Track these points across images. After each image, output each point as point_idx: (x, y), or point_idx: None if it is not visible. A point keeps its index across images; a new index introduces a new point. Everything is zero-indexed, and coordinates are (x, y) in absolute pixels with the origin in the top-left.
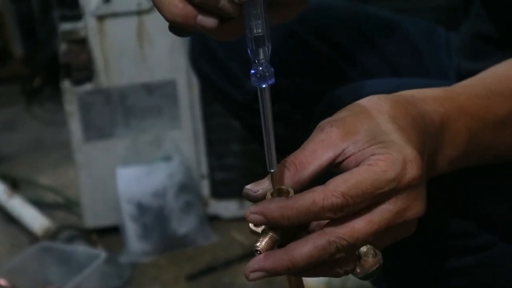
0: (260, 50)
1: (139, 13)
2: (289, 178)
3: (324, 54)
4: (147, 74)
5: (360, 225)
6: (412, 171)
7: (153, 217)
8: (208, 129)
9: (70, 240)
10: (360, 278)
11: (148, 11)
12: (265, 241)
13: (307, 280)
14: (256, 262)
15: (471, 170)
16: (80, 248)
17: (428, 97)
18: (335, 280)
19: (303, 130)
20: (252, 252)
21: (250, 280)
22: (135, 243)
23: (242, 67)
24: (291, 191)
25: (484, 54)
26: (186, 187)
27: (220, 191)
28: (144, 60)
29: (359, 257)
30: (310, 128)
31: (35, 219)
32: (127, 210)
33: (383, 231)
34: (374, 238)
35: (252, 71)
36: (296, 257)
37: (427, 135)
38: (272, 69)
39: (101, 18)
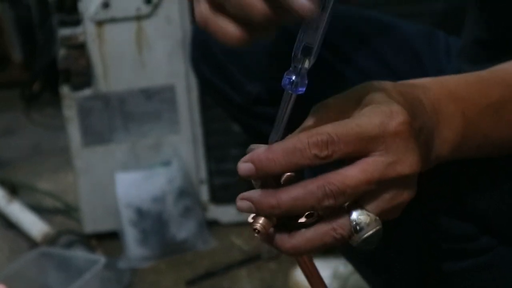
0: (306, 60)
1: (138, 18)
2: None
3: (322, 57)
4: (146, 79)
5: (352, 172)
6: (398, 118)
7: (152, 222)
8: (207, 133)
9: (69, 245)
10: (358, 246)
11: (147, 16)
12: (262, 219)
13: (305, 282)
14: (247, 193)
15: (472, 171)
16: (79, 254)
17: (417, 84)
18: (336, 282)
19: None
20: (251, 258)
21: (237, 208)
22: (134, 248)
23: (242, 70)
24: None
25: (484, 59)
26: (185, 192)
27: (219, 196)
28: (143, 65)
29: (353, 222)
30: None
31: (34, 224)
32: (126, 215)
33: (376, 185)
34: (365, 190)
35: (289, 77)
36: (282, 196)
37: (422, 113)
38: (307, 81)
39: (100, 23)
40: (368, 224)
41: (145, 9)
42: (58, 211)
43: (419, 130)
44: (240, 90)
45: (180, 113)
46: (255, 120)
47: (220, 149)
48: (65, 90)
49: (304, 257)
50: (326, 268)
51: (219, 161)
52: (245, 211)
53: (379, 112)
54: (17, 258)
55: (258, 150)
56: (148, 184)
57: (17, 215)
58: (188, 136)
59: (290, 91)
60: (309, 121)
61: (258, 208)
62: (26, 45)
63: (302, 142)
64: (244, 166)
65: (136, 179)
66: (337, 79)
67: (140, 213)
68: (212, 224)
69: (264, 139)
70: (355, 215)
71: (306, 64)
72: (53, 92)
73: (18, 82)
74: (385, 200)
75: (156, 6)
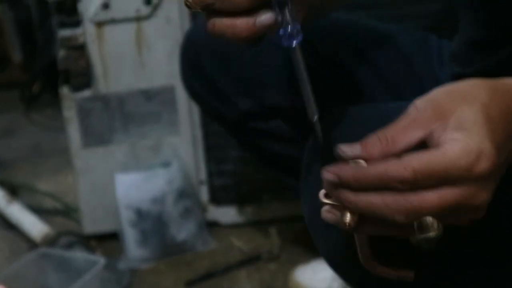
0: (286, 11)
1: (138, 19)
2: (379, 150)
3: (315, 70)
4: (146, 80)
5: (430, 197)
6: (485, 164)
7: (152, 223)
8: (206, 135)
9: (69, 246)
10: (416, 243)
11: (146, 17)
12: (349, 215)
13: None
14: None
15: None
16: (79, 254)
17: None
18: (335, 283)
19: (299, 146)
20: (251, 259)
21: (323, 176)
22: (134, 249)
23: (232, 85)
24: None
25: (478, 60)
26: (185, 193)
27: (219, 197)
28: (142, 66)
29: (417, 222)
30: (305, 154)
31: (34, 225)
32: (126, 216)
33: (449, 210)
34: (437, 213)
35: (280, 32)
36: (361, 196)
37: None
38: (299, 26)
39: (99, 24)
40: (430, 227)
41: (144, 10)
42: (58, 212)
43: (500, 162)
44: (231, 106)
45: (180, 114)
46: (249, 135)
47: (219, 150)
48: (64, 90)
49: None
50: (325, 269)
51: (219, 162)
52: (327, 184)
53: (467, 153)
54: (17, 259)
55: (347, 168)
56: (148, 185)
57: (17, 216)
58: (188, 137)
59: (291, 44)
60: (408, 119)
61: (336, 195)
62: (26, 45)
63: (388, 175)
64: (329, 176)
65: (135, 180)
66: (334, 92)
67: (140, 214)
68: (212, 225)
69: (260, 154)
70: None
71: (289, 14)
72: (52, 93)
73: (18, 83)
74: (455, 218)
75: (155, 7)
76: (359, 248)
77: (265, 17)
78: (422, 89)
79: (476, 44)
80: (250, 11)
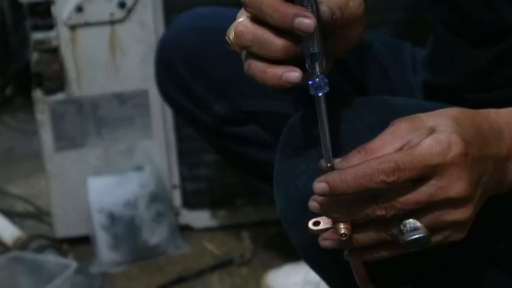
0: (316, 64)
1: (112, 23)
2: (358, 159)
3: None
4: (119, 84)
5: (404, 190)
6: (456, 150)
7: (124, 227)
8: (180, 139)
9: (40, 250)
10: (405, 246)
11: (120, 21)
12: (342, 224)
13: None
14: (316, 198)
15: None
16: (51, 258)
17: (503, 112)
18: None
19: (273, 152)
20: (223, 263)
21: (309, 206)
22: (106, 253)
23: (209, 90)
24: None
25: (451, 60)
26: (157, 197)
27: (192, 201)
28: (116, 70)
29: (402, 224)
30: (278, 148)
31: (5, 229)
32: (98, 220)
33: (426, 203)
34: (414, 207)
35: (310, 82)
36: (342, 202)
37: (493, 140)
38: (327, 80)
39: (73, 27)
40: (414, 229)
41: (118, 13)
42: (30, 215)
43: (478, 158)
44: (206, 110)
45: (153, 118)
46: (223, 139)
47: (193, 155)
48: (37, 94)
49: (359, 262)
50: (297, 273)
51: (192, 167)
52: (314, 211)
53: (439, 142)
54: None
55: (333, 173)
56: (121, 189)
57: None
58: (161, 141)
59: (318, 95)
60: (385, 133)
61: (322, 209)
62: None
63: (372, 168)
64: (319, 185)
65: (108, 183)
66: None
67: (112, 218)
68: (185, 229)
69: (235, 159)
70: (405, 219)
71: (319, 67)
72: (25, 96)
73: None
74: (435, 215)
75: (129, 11)
76: (356, 275)
77: (293, 75)
78: (395, 96)
79: (444, 47)
80: (283, 61)
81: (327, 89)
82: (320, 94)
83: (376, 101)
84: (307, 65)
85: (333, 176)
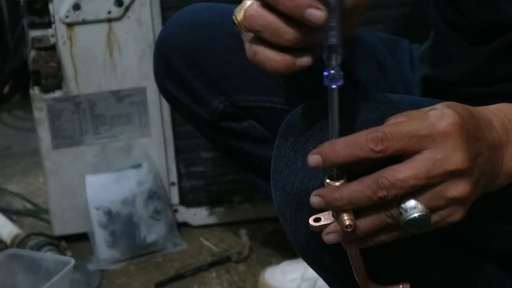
0: (333, 56)
1: (109, 20)
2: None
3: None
4: (117, 82)
5: (401, 167)
6: (448, 119)
7: (122, 224)
8: (177, 136)
9: (39, 247)
10: (405, 226)
11: (117, 19)
12: (345, 215)
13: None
14: (318, 190)
15: None
16: (49, 256)
17: (491, 106)
18: (304, 284)
19: (271, 147)
20: (221, 260)
21: (311, 202)
22: (104, 250)
23: (206, 85)
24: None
25: (450, 55)
26: (155, 195)
27: (190, 198)
28: (113, 67)
29: (402, 206)
30: (275, 144)
31: (3, 227)
32: (96, 217)
33: (425, 179)
34: (414, 183)
35: (325, 73)
36: (343, 189)
37: (485, 127)
38: (342, 73)
39: (70, 25)
40: (414, 208)
41: (116, 11)
42: (28, 213)
43: (472, 136)
44: (206, 105)
45: (150, 115)
46: (222, 135)
47: (190, 152)
48: (35, 92)
49: (356, 249)
50: (295, 270)
51: (189, 164)
52: (316, 206)
53: (431, 115)
54: None
55: (324, 145)
56: (118, 186)
57: None
58: (159, 139)
59: (332, 86)
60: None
61: (325, 201)
62: None
63: (361, 137)
64: (312, 157)
65: (106, 181)
66: (308, 95)
67: (110, 215)
68: (182, 226)
69: (232, 154)
70: (405, 200)
71: (335, 59)
72: (23, 94)
73: None
74: (435, 192)
75: (127, 9)
76: (355, 270)
77: (306, 60)
78: (393, 93)
79: (444, 42)
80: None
81: (342, 82)
82: (334, 87)
83: (372, 98)
84: (323, 56)
85: (324, 147)
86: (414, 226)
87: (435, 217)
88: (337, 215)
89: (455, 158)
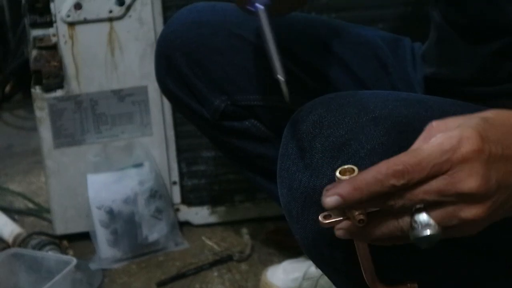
0: None
1: (111, 19)
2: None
3: (294, 74)
4: (118, 81)
5: (416, 189)
6: (468, 145)
7: (123, 223)
8: (179, 136)
9: (40, 246)
10: (415, 241)
11: (119, 18)
12: (357, 212)
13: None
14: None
15: None
16: (51, 255)
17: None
18: (306, 283)
19: (272, 146)
20: (222, 259)
21: (324, 204)
22: (106, 249)
23: (208, 84)
24: (356, 170)
25: (453, 54)
26: (157, 194)
27: (191, 197)
28: (115, 66)
29: (414, 220)
30: (281, 142)
31: (5, 226)
32: (98, 216)
33: (436, 196)
34: (423, 199)
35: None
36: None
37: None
38: None
39: (72, 24)
40: (427, 224)
41: (117, 11)
42: (30, 212)
43: (493, 155)
44: (205, 104)
45: (152, 114)
46: (223, 134)
47: (192, 151)
48: (36, 91)
49: (365, 245)
50: (296, 269)
51: (191, 163)
52: (334, 205)
53: (449, 139)
54: None
55: (343, 184)
56: (120, 185)
57: None
58: (160, 138)
59: (256, 7)
60: (418, 141)
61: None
62: None
63: (381, 173)
64: (331, 199)
65: (107, 180)
66: (310, 94)
67: (112, 214)
68: (184, 226)
69: (233, 153)
70: (416, 215)
71: None
72: (25, 93)
73: None
74: (448, 211)
75: (128, 8)
76: (363, 268)
77: None
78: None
79: (445, 41)
80: None
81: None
82: (262, 7)
83: (381, 94)
84: None
85: (343, 186)
86: (424, 242)
87: (446, 233)
88: (348, 210)
89: (470, 182)
